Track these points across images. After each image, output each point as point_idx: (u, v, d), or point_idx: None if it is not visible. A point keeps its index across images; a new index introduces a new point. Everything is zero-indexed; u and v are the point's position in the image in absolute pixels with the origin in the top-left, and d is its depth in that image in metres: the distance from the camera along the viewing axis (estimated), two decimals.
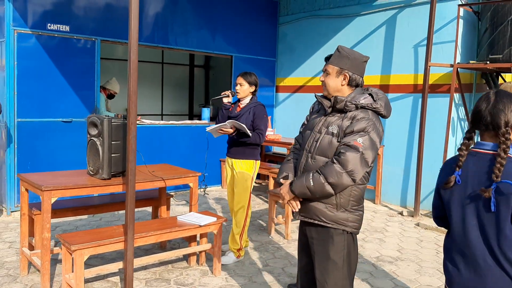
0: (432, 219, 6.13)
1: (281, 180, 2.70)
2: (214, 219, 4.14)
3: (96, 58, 6.37)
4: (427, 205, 6.57)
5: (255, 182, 4.65)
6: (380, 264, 4.58)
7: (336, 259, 2.53)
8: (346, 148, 2.42)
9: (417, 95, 6.73)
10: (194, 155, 7.30)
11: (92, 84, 6.38)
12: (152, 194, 4.91)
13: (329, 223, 2.51)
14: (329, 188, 2.42)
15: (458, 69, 6.19)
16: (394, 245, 5.19)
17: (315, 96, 2.74)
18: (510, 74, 6.50)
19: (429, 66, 6.17)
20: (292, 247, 4.93)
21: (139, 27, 3.39)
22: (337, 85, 2.58)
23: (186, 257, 4.45)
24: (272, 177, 6.65)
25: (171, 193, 5.19)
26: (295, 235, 4.99)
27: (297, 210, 2.59)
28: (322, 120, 2.59)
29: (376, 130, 2.47)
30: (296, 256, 3.41)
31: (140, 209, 5.86)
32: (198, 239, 4.34)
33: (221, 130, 4.24)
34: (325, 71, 2.64)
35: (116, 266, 3.68)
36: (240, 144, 4.35)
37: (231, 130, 4.23)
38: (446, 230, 2.07)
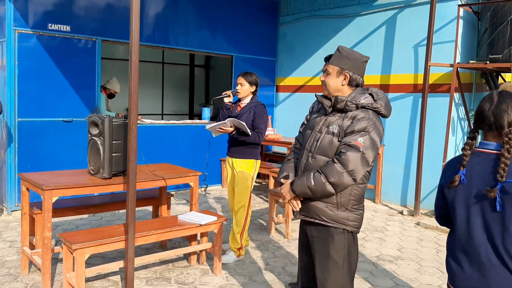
0: (432, 218, 6.16)
1: (282, 180, 2.71)
2: (215, 218, 4.15)
3: (96, 58, 6.39)
4: (427, 204, 6.59)
5: (255, 181, 4.65)
6: (380, 263, 4.59)
7: (337, 258, 2.54)
8: (346, 147, 2.43)
9: (417, 94, 6.74)
10: (195, 154, 7.32)
11: (93, 84, 6.39)
12: (152, 193, 4.92)
13: (329, 222, 2.53)
14: (330, 188, 2.43)
15: (458, 69, 6.20)
16: (394, 244, 5.20)
17: (315, 96, 2.75)
18: (510, 74, 6.51)
19: (429, 66, 6.18)
20: (292, 246, 4.94)
21: (140, 27, 3.40)
22: (338, 85, 2.59)
23: (186, 256, 4.46)
24: (272, 176, 6.66)
25: (172, 193, 5.20)
26: (296, 234, 5.00)
27: (297, 209, 2.60)
28: (323, 120, 2.61)
29: (377, 129, 2.48)
30: (297, 255, 3.42)
31: (140, 208, 5.87)
32: (198, 238, 4.35)
33: (221, 129, 4.25)
34: (325, 71, 2.65)
35: (117, 265, 3.69)
36: (240, 144, 4.36)
37: (230, 129, 4.24)
38: (448, 229, 2.08)
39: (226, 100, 4.56)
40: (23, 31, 5.75)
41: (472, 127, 1.99)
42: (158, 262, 4.34)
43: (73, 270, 3.48)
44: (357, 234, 2.67)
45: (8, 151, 5.78)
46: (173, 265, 4.32)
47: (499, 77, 6.72)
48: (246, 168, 4.38)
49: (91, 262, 4.11)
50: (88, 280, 3.85)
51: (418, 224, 6.01)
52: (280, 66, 8.82)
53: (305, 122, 2.88)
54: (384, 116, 2.60)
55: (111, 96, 7.58)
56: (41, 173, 4.04)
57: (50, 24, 5.97)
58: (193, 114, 11.36)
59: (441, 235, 5.59)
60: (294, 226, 5.28)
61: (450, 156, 6.45)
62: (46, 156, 6.02)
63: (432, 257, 4.83)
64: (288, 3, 8.62)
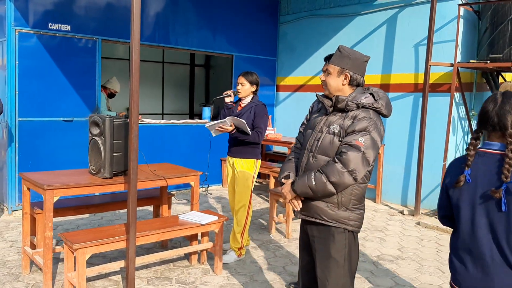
0: (432, 218, 6.16)
1: (283, 180, 2.71)
2: (215, 218, 4.15)
3: (97, 57, 6.39)
4: (427, 204, 6.59)
5: (256, 181, 4.66)
6: (380, 262, 4.59)
7: (337, 258, 2.55)
8: (347, 147, 2.43)
9: (418, 94, 6.74)
10: (195, 154, 7.32)
11: (93, 84, 6.39)
12: (153, 193, 4.93)
13: (330, 222, 2.53)
14: (330, 187, 2.43)
15: (459, 68, 6.20)
16: (394, 244, 5.21)
17: (316, 95, 2.75)
18: (510, 73, 6.51)
19: (430, 65, 6.18)
20: (293, 246, 4.94)
21: (140, 26, 3.40)
22: (338, 85, 2.59)
23: (187, 256, 4.46)
24: (273, 176, 6.66)
25: (172, 192, 5.20)
26: (296, 234, 5.00)
27: (298, 209, 2.61)
28: (323, 120, 2.61)
29: (377, 129, 2.48)
30: (297, 255, 3.42)
31: (141, 208, 5.87)
32: (199, 238, 4.35)
33: (221, 128, 4.24)
34: (326, 71, 2.65)
35: (118, 264, 3.70)
36: (241, 143, 4.36)
37: (230, 128, 4.24)
38: (449, 229, 2.09)
39: (227, 100, 4.56)
40: (24, 31, 5.75)
41: (476, 128, 2.00)
42: (159, 261, 4.34)
43: (74, 270, 3.49)
44: (358, 234, 2.68)
45: (8, 151, 5.78)
46: (174, 264, 4.33)
47: (500, 76, 6.72)
48: (246, 168, 4.39)
49: (92, 261, 4.12)
50: (89, 279, 3.85)
51: (418, 223, 6.01)
52: (281, 65, 8.82)
53: (305, 122, 2.89)
54: (385, 116, 2.60)
55: (111, 95, 7.59)
56: (42, 172, 4.04)
57: (50, 24, 5.97)
58: (193, 113, 11.36)
59: (442, 234, 5.59)
60: (294, 226, 5.28)
61: (451, 155, 6.46)
62: (47, 155, 6.02)
63: (432, 256, 4.84)
64: (289, 2, 8.62)
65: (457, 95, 6.45)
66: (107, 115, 3.91)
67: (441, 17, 6.41)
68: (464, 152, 6.72)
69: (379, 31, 7.24)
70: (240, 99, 4.53)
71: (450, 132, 6.31)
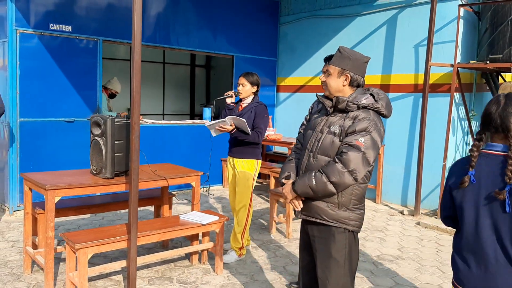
0: (432, 218, 6.17)
1: (283, 180, 2.73)
2: (216, 218, 4.17)
3: (98, 58, 6.40)
4: (427, 204, 6.60)
5: (256, 181, 4.67)
6: (381, 262, 4.61)
7: (338, 257, 2.56)
8: (348, 147, 2.45)
9: (418, 94, 6.76)
10: (196, 154, 7.34)
11: (94, 84, 6.41)
12: (154, 193, 4.94)
13: (331, 222, 2.54)
14: (331, 187, 2.45)
15: (458, 69, 6.22)
16: (394, 243, 5.22)
17: (316, 96, 2.77)
18: (510, 73, 6.52)
19: (430, 66, 6.20)
20: (293, 246, 4.95)
21: (141, 27, 3.41)
22: (339, 86, 2.61)
23: (188, 256, 4.48)
24: (273, 176, 6.68)
25: (173, 192, 5.22)
26: (296, 234, 5.02)
27: (299, 209, 2.62)
28: (324, 120, 2.62)
29: (378, 129, 2.50)
30: (297, 255, 3.44)
31: (142, 208, 5.89)
32: (200, 238, 4.37)
33: (221, 127, 4.26)
34: (326, 72, 2.67)
35: (119, 264, 3.71)
36: (241, 144, 4.38)
37: (230, 128, 4.25)
38: (448, 229, 2.10)
39: (229, 100, 4.57)
40: (25, 31, 5.77)
41: (479, 129, 2.02)
42: (160, 261, 4.36)
43: (76, 270, 3.50)
44: (358, 234, 2.69)
45: (10, 151, 5.80)
46: (175, 264, 4.34)
47: (499, 77, 6.74)
48: (247, 168, 4.40)
49: (93, 261, 4.13)
50: (90, 279, 3.87)
51: (418, 223, 6.02)
52: (281, 66, 8.83)
53: (305, 123, 2.91)
54: (385, 116, 2.62)
55: (112, 96, 7.60)
56: (44, 173, 4.06)
57: (51, 24, 5.98)
58: (194, 114, 11.38)
59: (441, 234, 5.61)
60: (294, 226, 5.30)
61: (450, 156, 6.47)
62: (48, 156, 6.04)
63: (432, 256, 4.85)
64: (289, 3, 8.64)
65: (457, 95, 6.46)
66: (108, 115, 3.92)
67: (441, 17, 6.43)
68: (464, 152, 6.71)
69: (379, 31, 7.26)
70: (241, 100, 4.54)
71: (450, 132, 6.32)
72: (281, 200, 5.36)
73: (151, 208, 5.91)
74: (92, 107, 6.40)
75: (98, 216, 5.82)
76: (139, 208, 4.90)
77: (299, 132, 2.92)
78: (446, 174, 6.22)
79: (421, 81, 6.62)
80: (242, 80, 4.44)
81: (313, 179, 2.47)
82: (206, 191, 7.36)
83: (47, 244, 3.56)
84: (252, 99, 4.47)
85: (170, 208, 4.88)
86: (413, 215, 6.39)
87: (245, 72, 4.49)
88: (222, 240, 4.20)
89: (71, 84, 6.19)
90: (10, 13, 5.66)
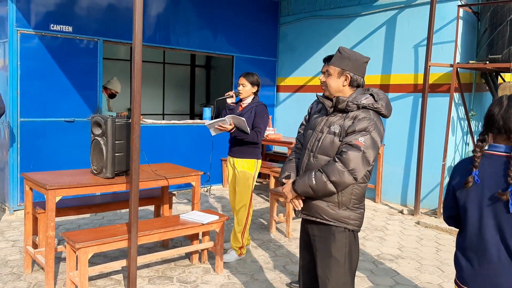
0: (432, 217, 6.19)
1: (284, 180, 2.74)
2: (216, 217, 4.18)
3: (98, 58, 6.42)
4: (427, 203, 6.62)
5: (256, 181, 4.68)
6: (381, 261, 4.62)
7: (338, 257, 2.57)
8: (348, 147, 2.46)
9: (417, 94, 6.77)
10: (196, 154, 7.35)
11: (95, 84, 6.42)
12: (154, 193, 4.95)
13: (331, 221, 2.56)
14: (331, 187, 2.46)
15: (458, 69, 6.23)
16: (394, 243, 5.23)
17: (316, 96, 2.78)
18: (510, 74, 6.54)
19: (429, 66, 6.21)
20: (293, 245, 4.97)
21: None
22: (339, 86, 2.62)
23: (188, 255, 4.49)
24: (273, 176, 6.69)
25: (173, 192, 5.23)
26: (296, 233, 5.03)
27: (299, 208, 2.63)
28: (324, 120, 2.63)
29: (377, 129, 2.51)
30: (297, 254, 3.45)
31: (142, 207, 5.90)
32: (200, 237, 4.38)
33: (220, 126, 4.27)
34: (326, 72, 2.68)
35: (120, 264, 3.72)
36: (241, 144, 4.39)
37: (230, 127, 4.26)
38: (448, 228, 2.12)
39: (229, 101, 4.59)
40: (25, 32, 5.78)
41: (482, 130, 2.03)
42: (160, 261, 4.37)
43: (76, 269, 3.51)
44: (358, 233, 2.70)
45: (10, 151, 5.81)
46: (175, 264, 4.35)
47: (499, 77, 6.75)
48: (247, 168, 4.41)
49: (94, 261, 4.14)
50: (91, 278, 3.88)
51: (418, 223, 6.04)
52: (281, 66, 8.85)
53: (304, 123, 2.92)
54: (385, 116, 2.63)
55: (112, 96, 7.61)
56: (44, 173, 4.07)
57: (52, 25, 6.00)
58: (194, 114, 11.39)
59: (441, 234, 5.62)
60: (294, 225, 5.31)
61: (450, 155, 6.49)
62: (48, 156, 6.05)
63: (432, 256, 4.86)
64: (289, 3, 8.65)
65: (456, 95, 6.48)
66: (109, 115, 3.93)
67: (441, 18, 6.44)
68: (463, 152, 6.72)
69: (379, 32, 7.27)
70: (241, 100, 4.56)
71: (449, 132, 6.34)
72: (281, 199, 5.37)
73: (151, 207, 5.92)
74: (92, 107, 6.41)
75: (99, 215, 5.83)
76: (139, 208, 4.90)
77: (299, 132, 2.94)
78: (446, 173, 6.25)
79: (420, 81, 6.64)
80: (242, 80, 4.45)
81: (313, 179, 2.49)
82: (206, 191, 7.37)
83: (47, 243, 3.57)
84: (252, 99, 4.48)
85: (170, 207, 4.90)
86: (412, 215, 6.40)
87: (245, 72, 4.51)
88: (222, 240, 4.21)
89: (71, 84, 6.20)
90: (10, 13, 5.67)
